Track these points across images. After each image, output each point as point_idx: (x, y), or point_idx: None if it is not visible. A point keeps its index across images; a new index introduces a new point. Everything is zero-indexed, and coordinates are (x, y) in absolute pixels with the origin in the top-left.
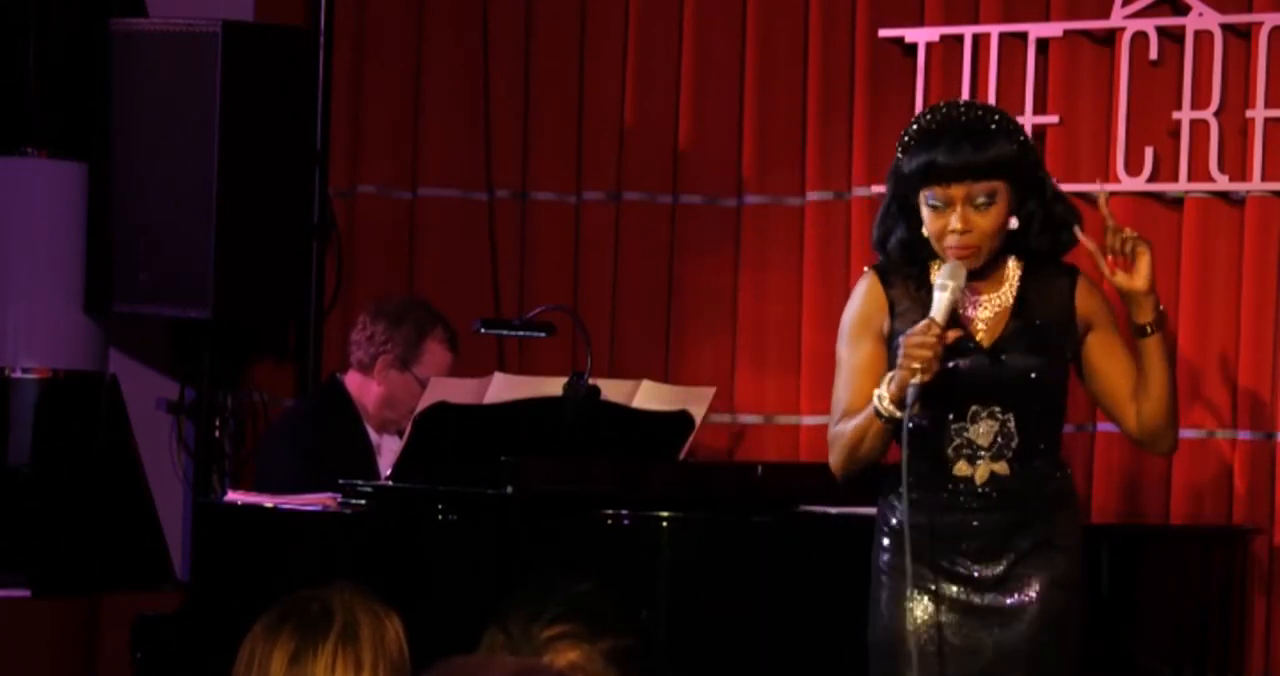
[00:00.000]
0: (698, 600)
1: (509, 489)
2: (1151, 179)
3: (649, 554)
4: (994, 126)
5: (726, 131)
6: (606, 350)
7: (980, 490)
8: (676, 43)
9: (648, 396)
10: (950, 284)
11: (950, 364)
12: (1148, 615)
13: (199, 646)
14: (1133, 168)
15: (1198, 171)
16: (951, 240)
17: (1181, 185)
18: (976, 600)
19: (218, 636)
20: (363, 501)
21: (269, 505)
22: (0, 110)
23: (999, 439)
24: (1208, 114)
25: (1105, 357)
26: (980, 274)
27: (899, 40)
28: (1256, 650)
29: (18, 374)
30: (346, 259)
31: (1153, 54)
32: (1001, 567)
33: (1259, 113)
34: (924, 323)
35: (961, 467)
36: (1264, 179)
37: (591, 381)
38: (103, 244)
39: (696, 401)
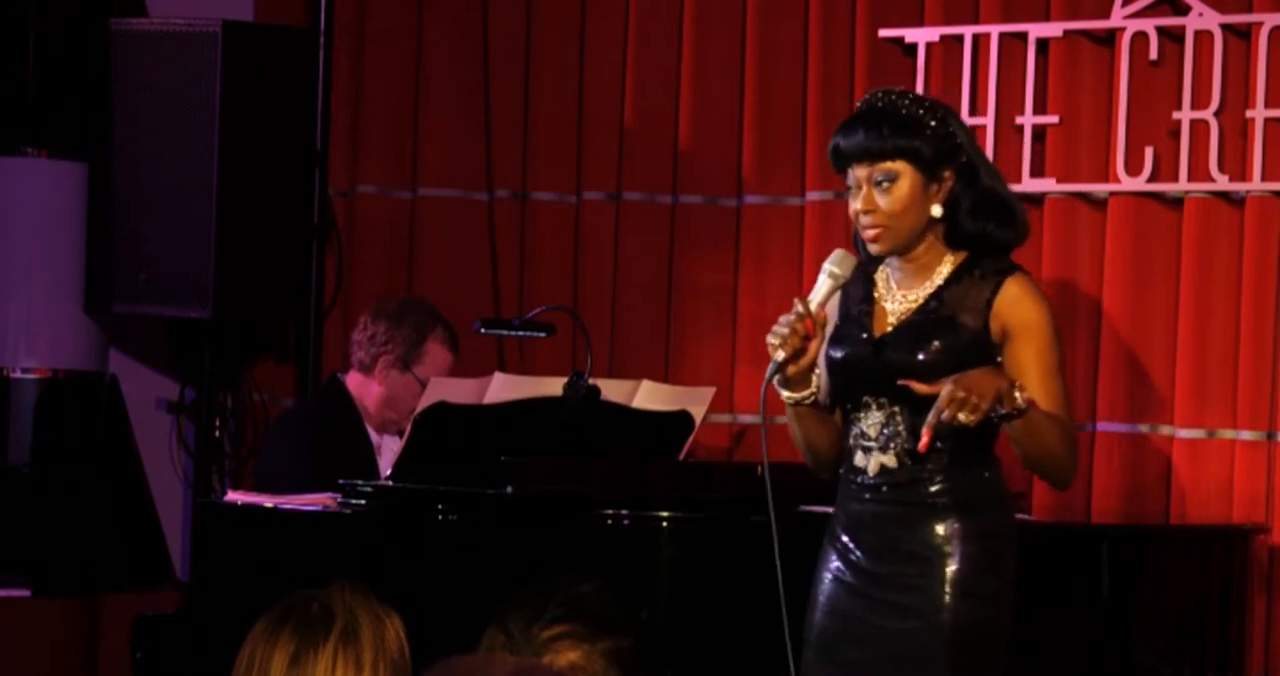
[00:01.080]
0: (698, 600)
1: (509, 489)
2: (1151, 179)
3: (649, 554)
4: (904, 112)
5: (726, 131)
6: (606, 350)
7: (871, 482)
8: (676, 43)
9: (648, 396)
10: (835, 270)
11: (838, 353)
12: (1148, 615)
13: (199, 646)
14: (1133, 168)
15: (1198, 171)
16: (862, 221)
17: (1181, 185)
18: (877, 594)
19: (218, 636)
20: (363, 501)
21: (269, 505)
22: (0, 110)
23: (885, 431)
24: (1208, 114)
25: (1012, 373)
26: (909, 266)
27: (899, 40)
28: (1256, 650)
29: (18, 374)
30: (346, 259)
31: (1153, 54)
32: (893, 564)
33: (1259, 113)
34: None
35: (859, 458)
36: (1264, 179)
37: (591, 381)
38: (103, 244)
39: (696, 401)
